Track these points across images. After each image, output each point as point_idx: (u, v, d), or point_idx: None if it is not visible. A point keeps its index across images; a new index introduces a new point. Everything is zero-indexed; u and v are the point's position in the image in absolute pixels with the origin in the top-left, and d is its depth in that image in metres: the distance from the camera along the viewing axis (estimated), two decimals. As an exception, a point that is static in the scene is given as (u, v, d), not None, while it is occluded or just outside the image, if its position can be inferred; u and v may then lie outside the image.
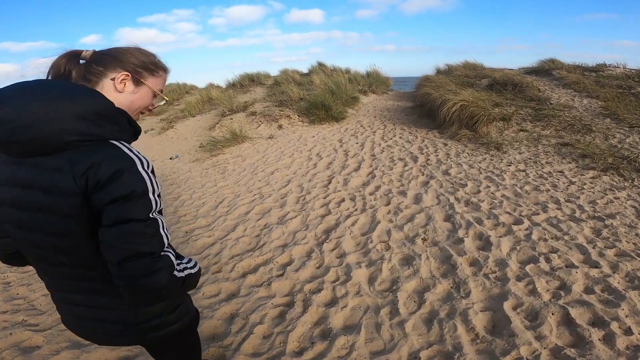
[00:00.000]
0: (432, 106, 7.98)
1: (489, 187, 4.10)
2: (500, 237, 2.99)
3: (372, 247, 3.02)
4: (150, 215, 0.77)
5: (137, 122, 0.90)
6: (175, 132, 10.00)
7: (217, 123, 9.51)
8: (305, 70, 17.66)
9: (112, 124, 0.78)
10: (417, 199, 3.91)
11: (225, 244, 3.32)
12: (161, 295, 0.77)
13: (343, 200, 4.02)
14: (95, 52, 0.85)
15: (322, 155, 5.91)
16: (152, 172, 0.81)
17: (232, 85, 18.26)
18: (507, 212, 3.45)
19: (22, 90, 0.71)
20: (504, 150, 5.46)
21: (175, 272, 0.80)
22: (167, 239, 0.81)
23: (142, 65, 0.88)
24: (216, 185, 5.00)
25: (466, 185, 4.19)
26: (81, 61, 0.84)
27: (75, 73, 0.83)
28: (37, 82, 0.75)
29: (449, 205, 3.67)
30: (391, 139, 6.77)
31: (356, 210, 3.75)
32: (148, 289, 0.74)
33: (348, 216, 3.62)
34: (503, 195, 3.86)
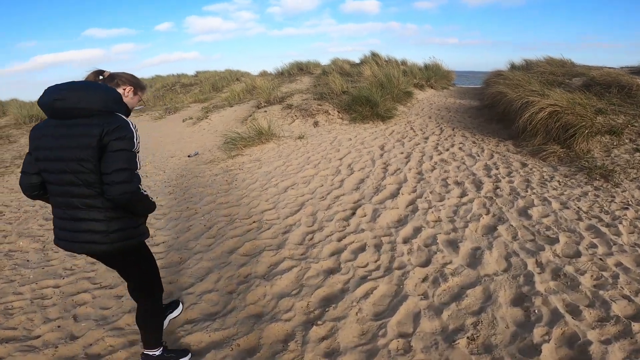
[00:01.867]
0: (507, 109, 6.25)
1: (594, 246, 2.60)
2: (610, 344, 1.61)
3: (383, 345, 1.84)
4: (132, 150, 1.40)
5: (131, 111, 1.60)
6: (209, 124, 9.39)
7: (250, 116, 8.67)
8: (357, 61, 16.23)
9: (119, 105, 1.46)
10: (474, 259, 2.56)
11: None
12: (130, 199, 1.40)
13: (363, 248, 2.79)
14: (110, 73, 1.60)
15: (353, 168, 4.67)
16: (136, 130, 1.45)
17: (280, 74, 17.55)
18: (626, 298, 2.00)
19: (77, 83, 1.41)
20: (616, 180, 3.74)
21: (140, 187, 1.44)
22: (139, 166, 1.46)
23: (139, 85, 1.65)
24: (215, 201, 4.05)
25: (556, 239, 2.71)
26: (100, 77, 1.59)
27: (100, 82, 1.58)
28: (82, 82, 1.48)
29: (525, 276, 2.30)
30: (447, 149, 5.27)
31: (377, 269, 2.53)
32: (126, 190, 1.36)
33: (363, 279, 2.42)
34: (618, 265, 2.37)
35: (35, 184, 1.48)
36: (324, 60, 19.55)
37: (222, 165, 5.55)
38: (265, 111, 8.62)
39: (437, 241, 2.81)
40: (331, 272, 2.54)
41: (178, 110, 12.63)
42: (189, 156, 6.53)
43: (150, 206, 1.56)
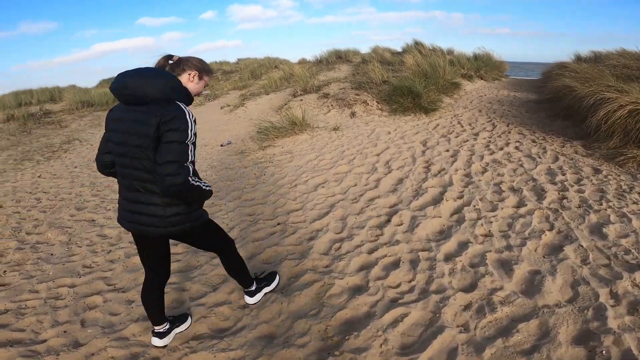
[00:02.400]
0: (575, 105, 5.41)
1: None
2: None
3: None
4: (186, 142, 1.39)
5: (194, 97, 1.60)
6: (244, 111, 9.28)
7: (286, 104, 8.41)
8: (399, 49, 15.34)
9: (179, 93, 1.46)
10: (531, 286, 2.09)
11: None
12: (179, 191, 1.40)
13: (397, 264, 2.40)
14: (180, 57, 1.58)
15: (391, 166, 4.23)
16: (194, 121, 1.45)
17: (318, 62, 17.13)
18: None
19: (140, 70, 1.44)
20: None
21: (190, 179, 1.41)
22: (192, 158, 1.44)
23: (205, 70, 1.62)
24: (240, 197, 3.84)
25: (637, 266, 2.15)
26: (170, 61, 1.57)
27: (168, 67, 1.57)
28: (146, 67, 1.48)
29: (595, 309, 1.82)
30: (502, 149, 4.63)
31: (411, 291, 2.13)
32: (173, 183, 1.36)
33: (393, 303, 2.04)
34: None
35: (107, 163, 1.58)
36: (364, 49, 18.74)
37: (253, 156, 5.34)
38: (301, 100, 8.31)
39: (487, 261, 2.35)
40: (357, 290, 2.20)
41: (217, 97, 12.72)
42: (221, 145, 6.42)
43: (203, 195, 1.56)
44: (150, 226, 1.52)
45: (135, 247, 2.77)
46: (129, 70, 1.43)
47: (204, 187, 1.51)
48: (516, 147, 4.66)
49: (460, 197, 3.31)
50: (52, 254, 3.04)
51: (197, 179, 1.46)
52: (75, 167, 6.12)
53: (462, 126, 5.86)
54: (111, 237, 3.32)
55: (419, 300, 2.05)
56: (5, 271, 2.78)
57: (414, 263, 2.40)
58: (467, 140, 5.06)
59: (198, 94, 1.63)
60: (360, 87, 8.29)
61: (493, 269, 2.28)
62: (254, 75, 16.61)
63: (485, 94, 9.02)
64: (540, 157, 4.23)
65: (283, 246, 2.74)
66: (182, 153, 1.37)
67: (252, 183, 4.22)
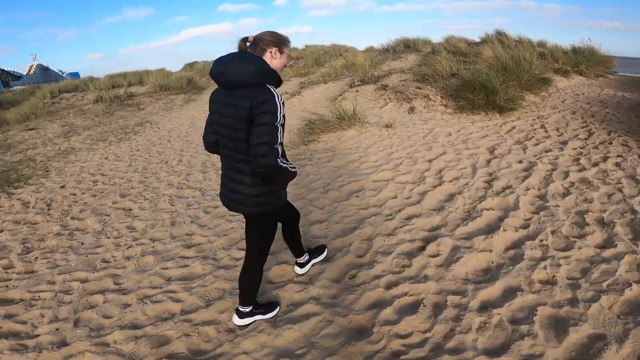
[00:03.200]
0: None
1: None
2: None
3: None
4: (276, 124, 1.45)
5: (282, 77, 1.62)
6: (300, 100, 9.05)
7: (340, 95, 7.96)
8: (477, 39, 13.66)
9: (269, 76, 1.49)
10: (585, 354, 1.50)
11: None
12: (269, 171, 1.47)
13: (416, 307, 1.90)
14: (254, 37, 1.60)
15: (444, 177, 3.57)
16: (283, 103, 1.49)
17: (385, 50, 16.20)
18: None
19: (233, 57, 1.49)
20: None
21: (279, 160, 1.48)
22: (281, 139, 1.51)
23: (281, 41, 1.61)
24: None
25: None
26: (247, 43, 1.60)
27: (249, 50, 1.60)
28: (237, 53, 1.54)
29: None
30: (596, 164, 3.63)
31: (421, 345, 1.70)
32: (264, 164, 1.43)
33: (394, 357, 1.58)
34: None
35: (211, 142, 1.67)
36: (437, 38, 17.07)
37: (294, 152, 5.06)
38: (357, 91, 7.78)
39: (535, 317, 1.75)
40: (357, 334, 1.78)
41: (279, 85, 12.74)
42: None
43: (289, 176, 1.60)
44: (240, 204, 1.62)
45: (151, 244, 2.68)
46: (223, 57, 1.50)
47: (290, 169, 1.57)
48: (616, 164, 3.61)
49: (525, 226, 2.60)
50: (82, 243, 3.12)
51: (284, 161, 1.54)
52: (138, 151, 6.50)
53: (546, 131, 4.82)
54: (137, 230, 3.32)
55: (428, 359, 1.55)
56: (37, 257, 2.91)
57: (437, 309, 1.89)
58: (550, 150, 4.10)
59: (285, 66, 1.69)
60: (425, 80, 7.45)
61: (540, 328, 1.68)
62: (318, 62, 16.35)
63: (584, 93, 7.46)
64: (649, 181, 3.19)
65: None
66: (273, 135, 1.43)
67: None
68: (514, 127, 5.07)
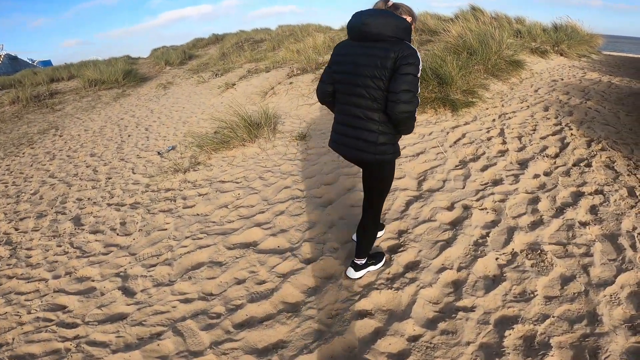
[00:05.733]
0: None
1: None
2: None
3: None
4: (417, 75, 1.49)
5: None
6: (232, 94, 7.58)
7: (272, 89, 6.53)
8: (451, 15, 12.12)
9: (407, 34, 1.53)
10: None
11: None
12: (408, 117, 1.52)
13: None
14: (394, 3, 1.65)
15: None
16: (421, 58, 1.53)
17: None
18: None
19: (377, 12, 1.53)
20: None
21: (416, 109, 1.54)
22: (419, 90, 1.53)
23: (413, 15, 1.70)
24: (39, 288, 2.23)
25: None
26: (389, 4, 1.63)
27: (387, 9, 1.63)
28: (381, 10, 1.56)
29: None
30: (562, 211, 2.38)
31: None
32: (407, 110, 1.48)
33: None
34: None
35: (328, 92, 1.75)
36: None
37: (165, 184, 3.69)
38: (291, 83, 6.35)
39: None
40: None
41: (227, 72, 11.16)
42: (158, 153, 4.85)
43: (413, 128, 1.67)
44: (361, 151, 1.64)
45: None
46: (364, 10, 1.57)
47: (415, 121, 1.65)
48: (592, 209, 2.37)
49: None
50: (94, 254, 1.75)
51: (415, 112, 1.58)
52: (17, 174, 5.05)
53: (504, 141, 3.52)
54: None
55: None
56: None
57: None
58: (501, 182, 2.82)
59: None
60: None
61: None
62: (276, 46, 14.67)
63: (562, 78, 6.15)
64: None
65: None
66: (415, 85, 1.49)
67: (102, 251, 2.59)
68: (464, 135, 3.75)
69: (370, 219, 1.91)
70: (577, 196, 2.55)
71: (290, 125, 4.62)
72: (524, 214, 2.42)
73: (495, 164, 3.05)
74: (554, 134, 3.59)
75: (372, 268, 2.09)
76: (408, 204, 2.66)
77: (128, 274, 2.46)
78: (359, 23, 1.53)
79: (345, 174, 3.21)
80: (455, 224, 2.40)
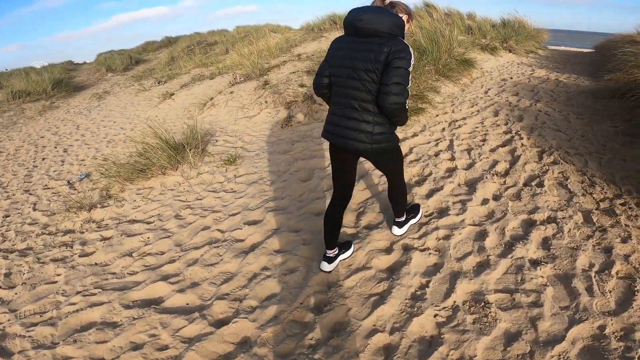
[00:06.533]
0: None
1: None
2: None
3: None
4: (408, 69, 1.54)
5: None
6: (170, 106, 6.85)
7: (211, 99, 5.91)
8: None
9: (401, 30, 1.60)
10: None
11: None
12: (398, 109, 1.56)
13: None
14: (391, 1, 1.70)
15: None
16: (413, 53, 1.58)
17: (310, 29, 14.11)
18: None
19: (373, 8, 1.60)
20: None
21: (406, 101, 1.59)
22: (409, 84, 1.58)
23: (410, 14, 1.76)
24: None
25: None
26: (386, 2, 1.69)
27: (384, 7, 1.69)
28: (377, 7, 1.63)
29: None
30: (511, 248, 2.06)
31: None
32: (397, 101, 1.53)
33: None
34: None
35: (324, 84, 1.78)
36: None
37: (66, 224, 3.03)
38: (232, 92, 5.76)
39: None
40: None
41: (171, 79, 10.29)
42: (68, 183, 4.12)
43: (406, 119, 1.73)
44: (359, 141, 1.67)
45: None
46: (360, 7, 1.63)
47: (407, 112, 1.72)
48: (543, 242, 2.06)
49: None
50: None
51: (407, 104, 1.63)
52: None
53: (452, 155, 3.19)
54: None
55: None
56: None
57: None
58: (447, 210, 2.46)
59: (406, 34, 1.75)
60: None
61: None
62: (233, 48, 13.90)
63: (512, 77, 6.03)
64: (602, 291, 1.65)
65: None
66: (405, 78, 1.54)
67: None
68: (411, 150, 3.39)
69: (396, 190, 2.06)
70: (528, 226, 2.23)
71: (222, 145, 4.07)
72: (470, 253, 2.07)
73: (442, 187, 2.68)
74: (504, 144, 3.31)
75: (413, 221, 2.30)
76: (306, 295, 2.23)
77: (6, 333, 2.01)
78: (355, 19, 1.60)
79: (272, 208, 2.73)
80: (393, 271, 2.02)
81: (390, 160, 1.90)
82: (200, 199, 3.10)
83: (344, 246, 2.15)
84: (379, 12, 1.58)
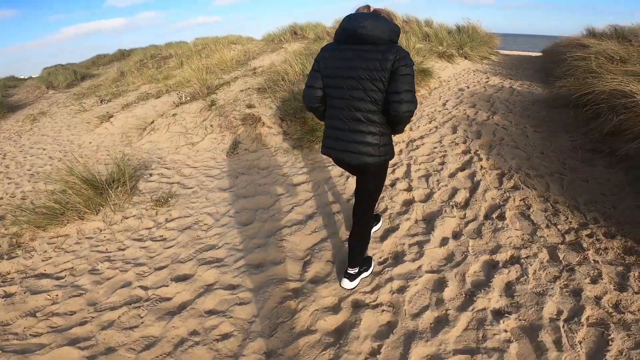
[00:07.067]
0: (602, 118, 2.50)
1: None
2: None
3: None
4: (413, 75, 1.48)
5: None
6: (107, 130, 6.18)
7: (151, 123, 5.36)
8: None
9: (397, 37, 1.55)
10: None
11: None
12: (410, 116, 1.49)
13: None
14: (374, 9, 1.59)
15: None
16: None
17: (270, 41, 13.75)
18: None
19: (369, 15, 1.50)
20: None
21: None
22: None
23: (391, 19, 1.60)
24: None
25: None
26: (371, 9, 1.59)
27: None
28: (371, 13, 1.52)
29: None
30: (475, 300, 1.77)
31: None
32: (410, 109, 1.46)
33: None
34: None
35: (318, 97, 1.66)
36: (330, 22, 14.90)
37: None
38: (175, 115, 5.24)
39: None
40: None
41: (117, 97, 9.50)
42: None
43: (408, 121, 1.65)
44: (367, 155, 1.59)
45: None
46: (358, 14, 1.53)
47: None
48: (507, 287, 1.80)
49: None
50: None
51: None
52: None
53: (409, 184, 2.91)
54: None
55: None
56: None
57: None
58: (403, 254, 2.16)
59: None
60: (268, 89, 5.20)
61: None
62: (188, 62, 13.22)
63: (468, 86, 5.96)
64: (571, 343, 1.38)
65: None
66: (413, 85, 1.49)
67: None
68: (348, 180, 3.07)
69: (364, 225, 1.88)
70: (491, 269, 1.97)
71: (157, 181, 3.57)
72: (427, 307, 1.78)
73: (397, 226, 2.38)
74: (463, 167, 3.08)
75: (365, 274, 2.04)
76: (284, 305, 1.87)
77: None
78: (355, 26, 1.52)
79: (206, 260, 2.32)
80: (341, 335, 1.71)
81: (382, 175, 1.77)
82: (123, 249, 2.62)
83: (365, 263, 2.06)
84: (380, 20, 1.51)
